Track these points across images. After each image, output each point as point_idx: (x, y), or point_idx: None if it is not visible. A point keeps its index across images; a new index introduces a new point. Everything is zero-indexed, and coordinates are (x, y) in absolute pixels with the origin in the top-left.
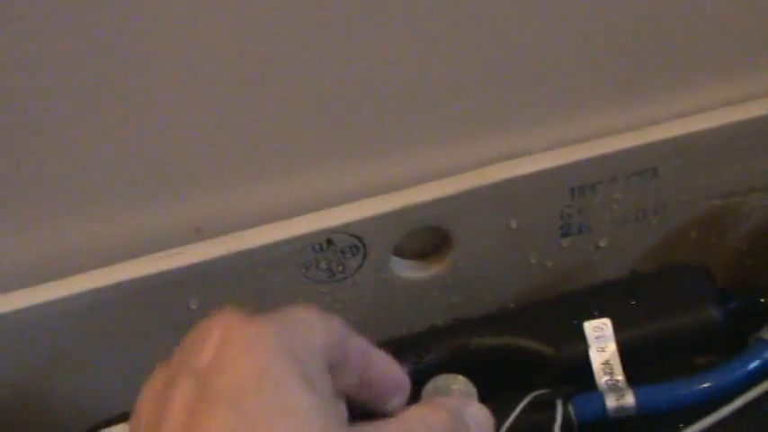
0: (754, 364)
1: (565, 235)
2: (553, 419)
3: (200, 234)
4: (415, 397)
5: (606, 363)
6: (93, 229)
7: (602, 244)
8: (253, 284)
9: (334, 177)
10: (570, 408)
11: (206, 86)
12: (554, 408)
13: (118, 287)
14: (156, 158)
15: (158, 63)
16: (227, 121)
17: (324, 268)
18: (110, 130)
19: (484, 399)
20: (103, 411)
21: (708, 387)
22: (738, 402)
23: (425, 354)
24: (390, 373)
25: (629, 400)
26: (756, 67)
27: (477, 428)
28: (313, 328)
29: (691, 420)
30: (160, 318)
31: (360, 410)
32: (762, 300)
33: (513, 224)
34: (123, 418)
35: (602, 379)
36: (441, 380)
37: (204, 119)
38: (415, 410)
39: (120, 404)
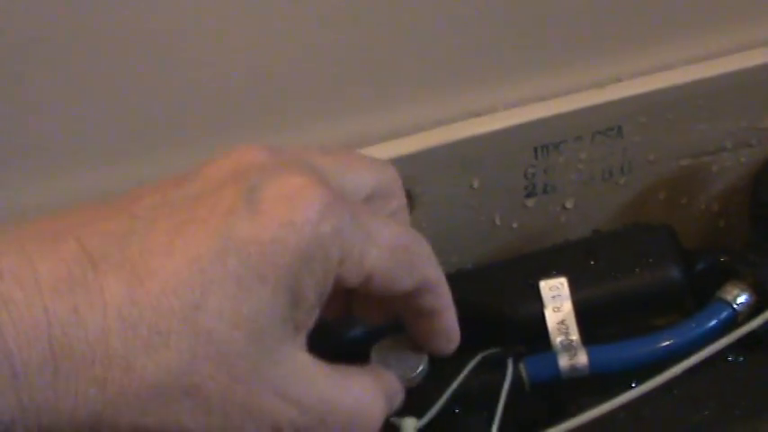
0: (710, 324)
1: (530, 195)
2: (503, 379)
3: None
4: (364, 356)
5: (561, 322)
6: (63, 188)
7: (569, 205)
8: None
9: (294, 136)
10: (522, 367)
11: (171, 37)
12: (505, 367)
13: None
14: (137, 113)
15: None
16: (196, 80)
17: None
18: (76, 85)
19: (435, 359)
20: None
21: (662, 347)
22: (690, 362)
23: None
24: (445, 333)
25: (583, 359)
26: (720, 25)
27: (393, 405)
28: (364, 262)
29: (644, 380)
30: None
31: None
32: (722, 259)
33: (476, 184)
34: None
35: (556, 339)
36: (390, 338)
37: (173, 78)
38: (359, 372)
39: None
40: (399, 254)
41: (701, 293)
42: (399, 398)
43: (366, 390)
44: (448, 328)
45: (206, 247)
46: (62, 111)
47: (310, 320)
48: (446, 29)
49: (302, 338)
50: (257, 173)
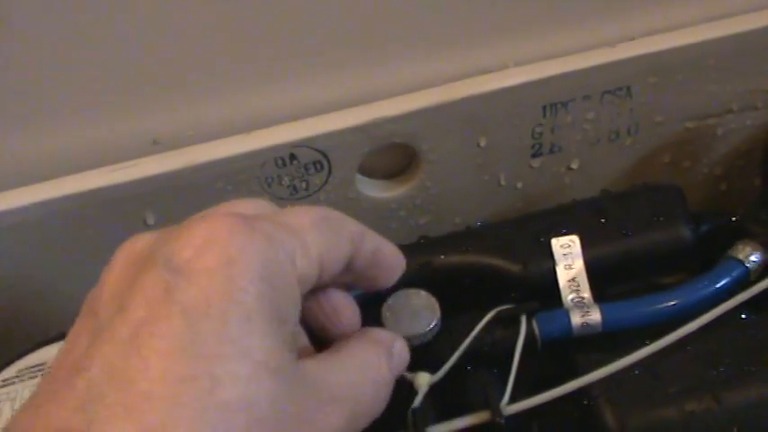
0: (722, 282)
1: (536, 155)
2: (516, 335)
3: (157, 146)
4: (375, 314)
5: (573, 280)
6: (44, 140)
7: (574, 166)
8: (213, 199)
9: (297, 90)
10: (534, 324)
11: None
12: (518, 323)
13: (71, 199)
14: (111, 65)
15: None
16: (185, 28)
17: (287, 184)
18: (62, 35)
19: (448, 316)
20: (52, 329)
21: (675, 304)
22: (704, 319)
23: None
24: (394, 263)
25: (596, 316)
26: None
27: (399, 362)
28: (308, 248)
29: (656, 339)
30: (115, 232)
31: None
32: (733, 219)
33: (483, 143)
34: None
35: (568, 296)
36: (402, 295)
37: (163, 25)
38: (353, 345)
39: (71, 322)
40: (324, 226)
41: (706, 254)
42: (403, 353)
43: (367, 353)
44: (393, 254)
45: (176, 353)
46: (59, 59)
47: (297, 327)
48: None
49: (295, 345)
50: (156, 250)
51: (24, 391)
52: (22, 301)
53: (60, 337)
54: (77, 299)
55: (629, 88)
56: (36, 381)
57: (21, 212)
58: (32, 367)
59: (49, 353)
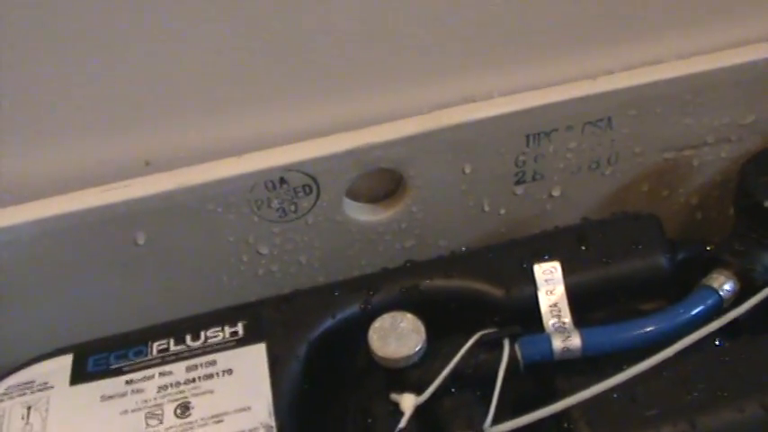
0: (697, 310)
1: (519, 182)
2: (499, 358)
3: (149, 167)
4: (363, 336)
5: (554, 305)
6: (39, 159)
7: (556, 193)
8: (203, 221)
9: (289, 115)
10: (517, 348)
11: (158, 18)
12: (501, 347)
13: (63, 218)
14: (104, 88)
15: None
16: (178, 53)
17: (276, 207)
18: (56, 58)
19: (433, 339)
20: (45, 345)
21: (653, 330)
22: (680, 345)
23: (375, 294)
24: None
25: (576, 341)
26: (710, 22)
27: None
28: None
29: (635, 363)
30: (106, 252)
31: None
32: (708, 248)
33: (468, 169)
34: (65, 351)
35: (549, 321)
36: (388, 318)
37: (156, 49)
38: None
39: (62, 339)
40: None
41: (682, 281)
42: None
43: None
44: None
45: None
46: (53, 81)
47: None
48: (445, 15)
49: None
50: None
51: (13, 408)
52: (11, 319)
53: (50, 354)
54: (67, 317)
55: (609, 119)
56: (25, 398)
57: (13, 231)
58: (21, 385)
59: (37, 370)
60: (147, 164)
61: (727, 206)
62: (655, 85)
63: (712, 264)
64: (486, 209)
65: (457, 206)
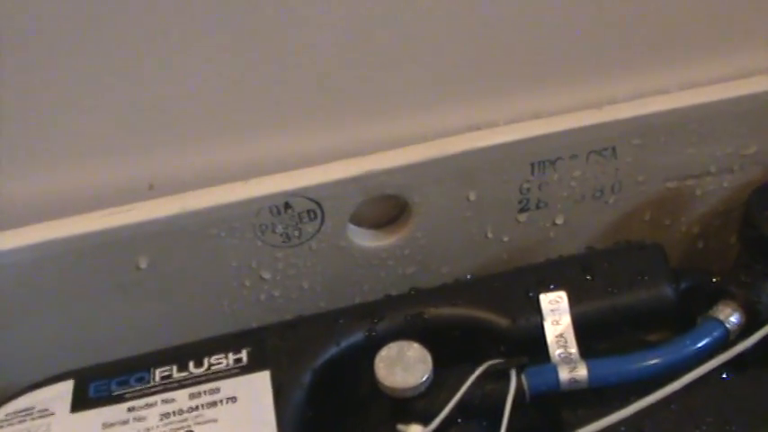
0: (703, 342)
1: (523, 210)
2: (506, 390)
3: (153, 191)
4: (368, 364)
5: (560, 335)
6: (41, 182)
7: (559, 221)
8: (206, 246)
9: (294, 141)
10: (524, 379)
11: (162, 42)
12: (508, 378)
13: (65, 242)
14: (108, 112)
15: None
16: (184, 78)
17: (280, 232)
18: (59, 81)
19: (439, 368)
20: (46, 369)
21: (659, 362)
22: (687, 378)
23: (379, 322)
24: None
25: (582, 372)
26: (714, 53)
27: None
28: None
29: (641, 395)
30: (108, 276)
31: None
32: (714, 280)
33: (472, 196)
34: (65, 377)
35: (555, 351)
36: (395, 347)
37: (162, 74)
38: None
39: (63, 363)
40: None
41: (686, 310)
42: None
43: None
44: None
45: None
46: (56, 104)
47: None
48: (450, 44)
49: None
50: None
51: None
52: (11, 342)
53: (51, 380)
54: (68, 341)
55: (614, 149)
56: (25, 425)
57: (14, 254)
58: (20, 411)
59: (37, 397)
60: (151, 187)
61: (728, 236)
62: (659, 115)
63: (718, 295)
64: (490, 236)
65: (460, 233)
